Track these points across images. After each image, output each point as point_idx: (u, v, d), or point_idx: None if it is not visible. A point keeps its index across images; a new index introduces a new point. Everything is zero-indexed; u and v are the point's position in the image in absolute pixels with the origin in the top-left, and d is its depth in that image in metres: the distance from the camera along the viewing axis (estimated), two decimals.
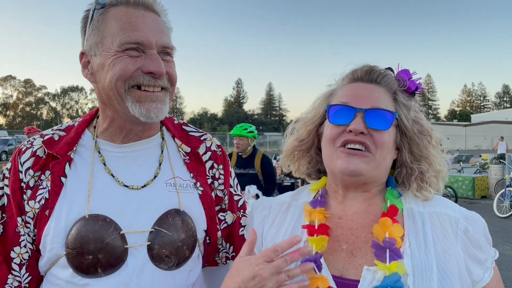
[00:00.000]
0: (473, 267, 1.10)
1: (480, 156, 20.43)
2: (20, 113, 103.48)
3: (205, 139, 1.50)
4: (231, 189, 1.53)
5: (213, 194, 1.44)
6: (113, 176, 1.30)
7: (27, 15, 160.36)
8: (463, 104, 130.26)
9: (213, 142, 1.51)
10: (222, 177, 1.48)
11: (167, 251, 1.25)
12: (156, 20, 1.28)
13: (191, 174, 1.40)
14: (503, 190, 11.16)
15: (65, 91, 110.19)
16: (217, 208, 1.46)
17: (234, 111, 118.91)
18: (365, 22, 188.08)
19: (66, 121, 1.34)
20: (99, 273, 1.19)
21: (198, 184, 1.40)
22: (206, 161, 1.46)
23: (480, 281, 1.11)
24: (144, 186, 1.31)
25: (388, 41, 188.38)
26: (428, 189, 1.17)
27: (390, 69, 1.28)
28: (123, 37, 1.21)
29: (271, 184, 5.64)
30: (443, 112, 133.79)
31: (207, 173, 1.45)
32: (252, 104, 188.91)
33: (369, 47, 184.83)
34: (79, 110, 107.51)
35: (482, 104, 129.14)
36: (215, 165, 1.47)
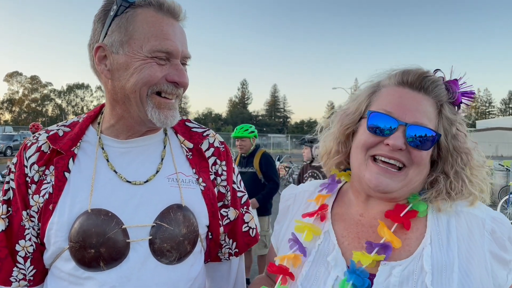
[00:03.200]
0: (498, 270, 1.06)
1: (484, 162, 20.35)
2: (25, 109, 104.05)
3: (208, 135, 1.50)
4: (234, 186, 1.53)
5: (215, 190, 1.45)
6: (116, 172, 1.32)
7: (34, 12, 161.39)
8: (468, 110, 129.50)
9: (216, 139, 1.52)
10: (225, 173, 1.49)
11: (168, 245, 1.27)
12: (182, 31, 1.31)
13: (194, 170, 1.41)
14: (507, 196, 11.11)
15: (71, 88, 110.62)
16: (219, 204, 1.46)
17: (239, 112, 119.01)
18: (370, 25, 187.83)
19: (71, 118, 1.39)
20: (101, 266, 1.21)
21: (201, 179, 1.40)
22: (209, 157, 1.47)
23: (504, 284, 1.07)
24: (147, 181, 1.32)
25: (393, 44, 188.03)
26: (446, 201, 1.10)
27: (439, 70, 1.19)
28: (155, 44, 1.23)
29: (271, 182, 5.60)
30: None
31: (210, 169, 1.45)
32: (257, 105, 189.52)
33: (374, 49, 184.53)
34: (85, 108, 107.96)
35: (487, 110, 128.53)
36: (218, 161, 1.48)
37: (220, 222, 1.45)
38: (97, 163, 1.32)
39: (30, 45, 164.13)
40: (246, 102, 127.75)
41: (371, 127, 1.11)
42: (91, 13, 1.35)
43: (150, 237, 1.26)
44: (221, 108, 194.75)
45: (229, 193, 1.50)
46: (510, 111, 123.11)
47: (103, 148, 1.36)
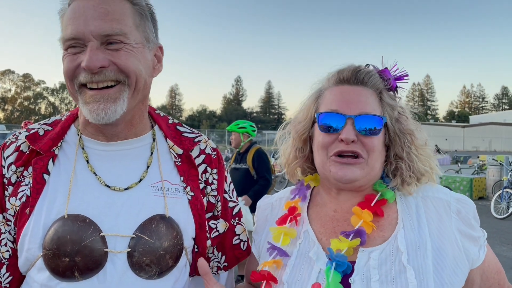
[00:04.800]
0: (469, 247, 1.15)
1: (478, 157, 20.45)
2: (18, 107, 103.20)
3: (199, 141, 1.41)
4: (226, 195, 1.44)
5: (205, 200, 1.36)
6: (96, 175, 1.23)
7: (27, 9, 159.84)
8: (462, 105, 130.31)
9: (208, 145, 1.42)
10: (215, 182, 1.39)
11: (147, 259, 1.17)
12: (98, 6, 1.13)
13: (182, 178, 1.32)
14: (501, 191, 11.18)
15: (64, 86, 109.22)
16: (208, 215, 1.38)
17: (233, 108, 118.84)
18: (365, 21, 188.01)
19: (54, 116, 1.39)
20: (76, 276, 1.13)
21: (189, 188, 1.31)
22: (199, 165, 1.37)
23: (477, 259, 1.16)
24: (127, 188, 1.23)
25: (387, 40, 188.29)
26: (412, 185, 1.20)
27: (370, 65, 1.29)
28: (62, 35, 1.16)
29: (262, 179, 5.65)
30: (441, 113, 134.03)
31: (200, 177, 1.36)
32: (251, 102, 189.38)
33: (368, 46, 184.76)
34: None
35: (480, 105, 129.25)
36: (209, 169, 1.39)
37: (208, 235, 1.36)
38: (76, 164, 1.24)
39: (23, 43, 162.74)
40: (240, 99, 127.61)
41: (323, 127, 1.20)
42: None
43: (129, 249, 1.17)
44: (216, 105, 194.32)
45: (219, 203, 1.40)
46: (503, 106, 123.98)
47: (83, 149, 1.27)
